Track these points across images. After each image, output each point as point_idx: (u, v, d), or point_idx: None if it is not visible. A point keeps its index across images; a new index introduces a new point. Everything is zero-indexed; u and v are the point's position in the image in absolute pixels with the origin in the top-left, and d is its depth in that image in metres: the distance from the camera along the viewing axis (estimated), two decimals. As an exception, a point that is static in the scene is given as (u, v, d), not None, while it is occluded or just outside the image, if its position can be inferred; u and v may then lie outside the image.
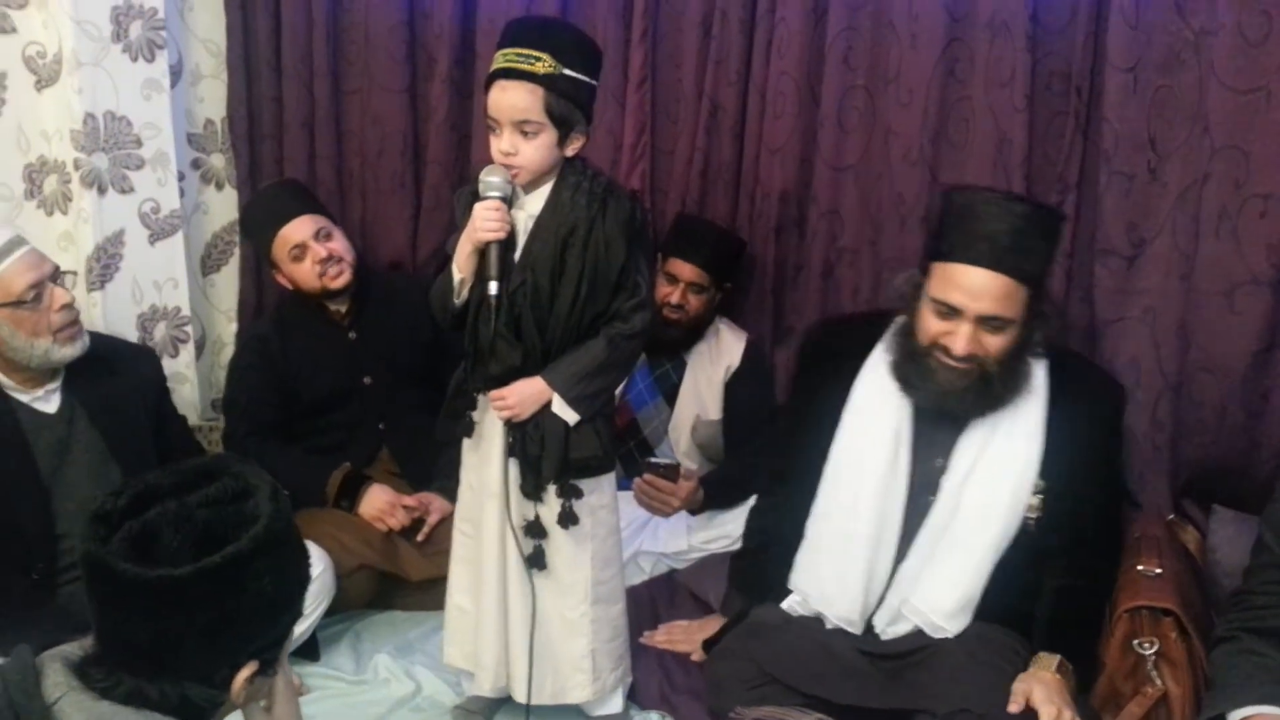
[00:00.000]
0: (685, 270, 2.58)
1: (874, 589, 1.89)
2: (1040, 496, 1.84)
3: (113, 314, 2.68)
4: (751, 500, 2.29)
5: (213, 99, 2.92)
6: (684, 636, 2.25)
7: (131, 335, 2.69)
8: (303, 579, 1.25)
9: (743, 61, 2.61)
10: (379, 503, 2.46)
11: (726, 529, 2.51)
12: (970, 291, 1.74)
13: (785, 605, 1.99)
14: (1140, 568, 1.87)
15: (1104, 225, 2.21)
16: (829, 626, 1.93)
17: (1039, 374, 1.85)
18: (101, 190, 2.61)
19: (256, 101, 2.92)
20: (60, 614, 1.96)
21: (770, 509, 2.12)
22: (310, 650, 2.28)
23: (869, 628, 1.92)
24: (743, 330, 2.71)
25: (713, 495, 2.49)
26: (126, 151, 2.64)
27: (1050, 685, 1.73)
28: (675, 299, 2.59)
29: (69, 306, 2.06)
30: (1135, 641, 1.75)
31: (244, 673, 1.18)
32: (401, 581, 2.46)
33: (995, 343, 1.76)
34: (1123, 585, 1.86)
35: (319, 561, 2.27)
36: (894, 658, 1.88)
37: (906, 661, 1.86)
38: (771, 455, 2.22)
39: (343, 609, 2.40)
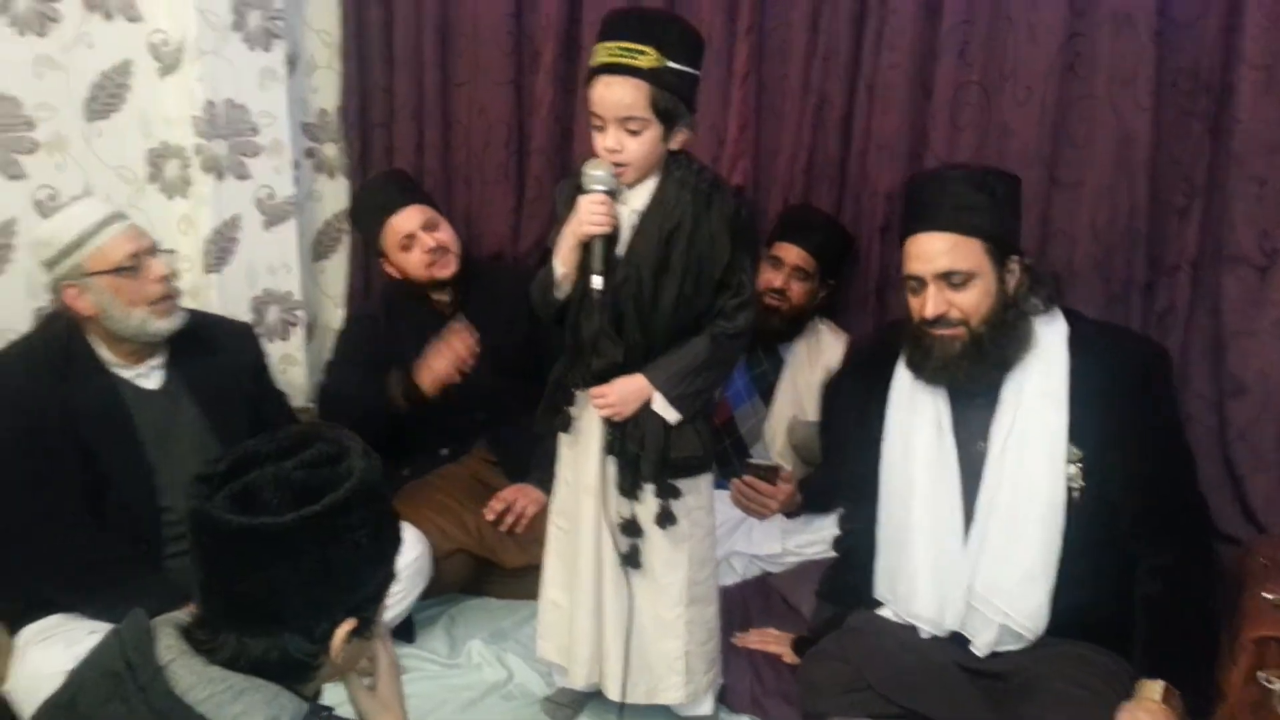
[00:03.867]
0: (791, 254, 2.54)
1: (943, 581, 1.85)
2: (1079, 466, 1.78)
3: (228, 296, 2.76)
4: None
5: (327, 89, 2.99)
6: (777, 640, 2.22)
7: (245, 317, 2.77)
8: (395, 537, 1.28)
9: (852, 55, 2.56)
10: (437, 367, 2.47)
11: (823, 534, 2.47)
12: (921, 256, 1.78)
13: (882, 612, 1.96)
14: (1268, 595, 1.78)
15: (1234, 232, 2.11)
16: (924, 636, 1.89)
17: (1053, 338, 1.81)
18: (220, 176, 2.70)
19: (368, 92, 2.97)
20: (169, 585, 2.04)
21: (850, 519, 2.10)
22: (406, 632, 2.34)
23: (964, 640, 1.87)
24: (844, 331, 2.66)
25: (810, 499, 2.44)
26: (244, 139, 2.72)
27: (1156, 716, 1.66)
28: (778, 283, 2.55)
29: (166, 279, 2.10)
30: (1261, 675, 1.67)
31: (343, 629, 1.20)
32: (495, 567, 2.50)
33: (965, 300, 1.77)
34: (1246, 612, 1.78)
35: (417, 544, 2.32)
36: (993, 677, 1.83)
37: (1009, 685, 1.80)
38: (846, 465, 2.18)
39: (438, 593, 2.44)
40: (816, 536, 2.50)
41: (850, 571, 2.02)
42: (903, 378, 1.91)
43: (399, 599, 2.26)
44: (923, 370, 1.84)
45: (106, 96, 2.59)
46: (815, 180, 2.66)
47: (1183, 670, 1.72)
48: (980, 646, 1.83)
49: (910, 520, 1.86)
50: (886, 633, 1.91)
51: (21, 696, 1.89)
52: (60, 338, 2.09)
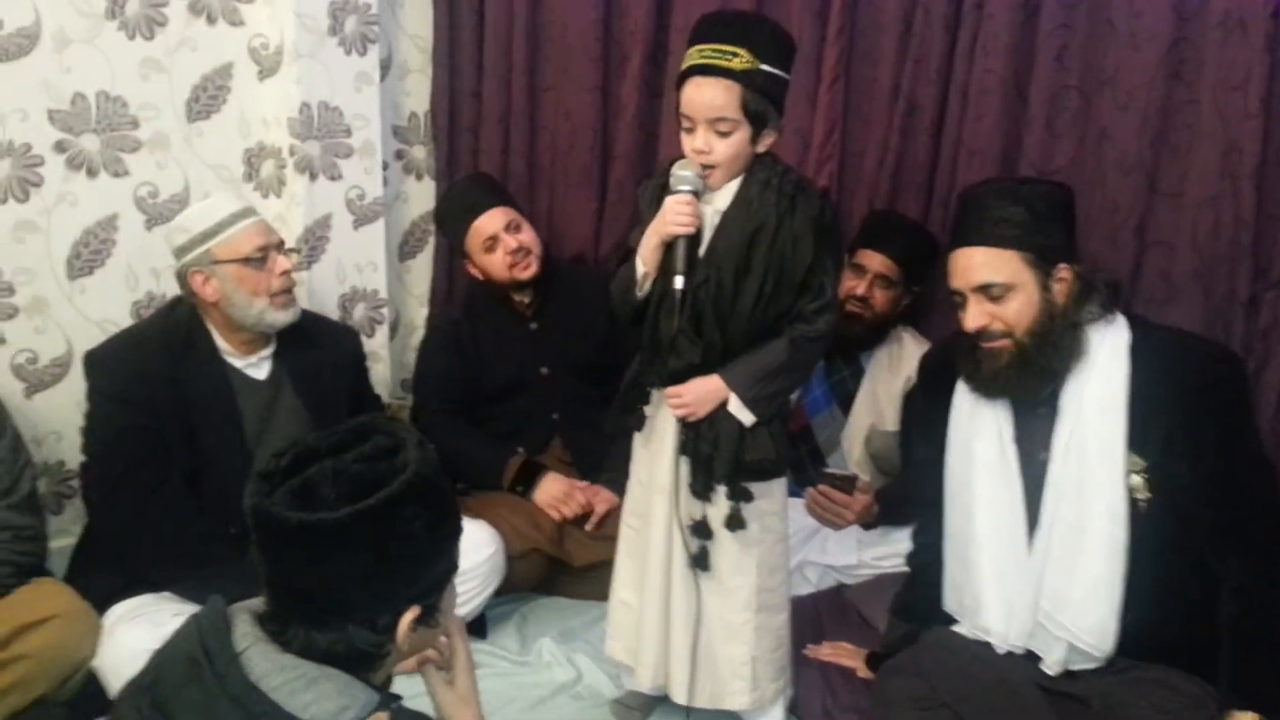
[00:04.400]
0: (874, 261, 2.50)
1: (1009, 593, 1.80)
2: (1143, 476, 1.70)
3: (317, 293, 2.83)
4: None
5: (418, 93, 3.05)
6: (850, 655, 2.18)
7: (333, 314, 2.84)
8: (453, 528, 1.28)
9: (944, 59, 2.52)
10: (555, 491, 2.51)
11: (900, 547, 2.39)
12: (960, 271, 1.79)
13: (957, 629, 1.90)
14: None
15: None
16: (1000, 651, 1.83)
17: (1113, 345, 1.74)
18: (313, 176, 2.77)
19: (458, 96, 3.02)
20: (253, 572, 2.09)
21: (923, 532, 2.05)
22: (478, 628, 2.36)
23: (1036, 658, 1.80)
24: (927, 340, 2.60)
25: (888, 511, 2.39)
26: (337, 140, 2.79)
27: None
28: (860, 291, 2.51)
29: (288, 274, 2.22)
30: None
31: (407, 617, 1.21)
32: (565, 566, 2.51)
33: (1006, 311, 1.75)
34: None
35: (491, 542, 2.34)
36: (1072, 699, 1.76)
37: (1089, 710, 1.74)
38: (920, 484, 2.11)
39: (511, 590, 2.46)
40: (894, 549, 2.44)
41: (923, 587, 1.97)
42: (964, 390, 1.88)
43: (472, 595, 2.28)
44: (975, 382, 1.83)
45: (207, 98, 2.69)
46: (902, 186, 2.62)
47: (1275, 700, 1.64)
48: (1051, 665, 1.77)
49: (974, 532, 1.83)
50: (962, 649, 1.85)
51: (109, 672, 1.95)
52: (182, 323, 2.21)
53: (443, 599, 1.28)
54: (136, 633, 1.93)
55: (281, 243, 2.27)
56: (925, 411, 2.02)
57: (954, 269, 1.81)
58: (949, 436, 1.90)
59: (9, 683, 1.91)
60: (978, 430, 1.84)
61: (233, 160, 2.76)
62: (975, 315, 1.77)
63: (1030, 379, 1.76)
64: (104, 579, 2.10)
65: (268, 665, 1.17)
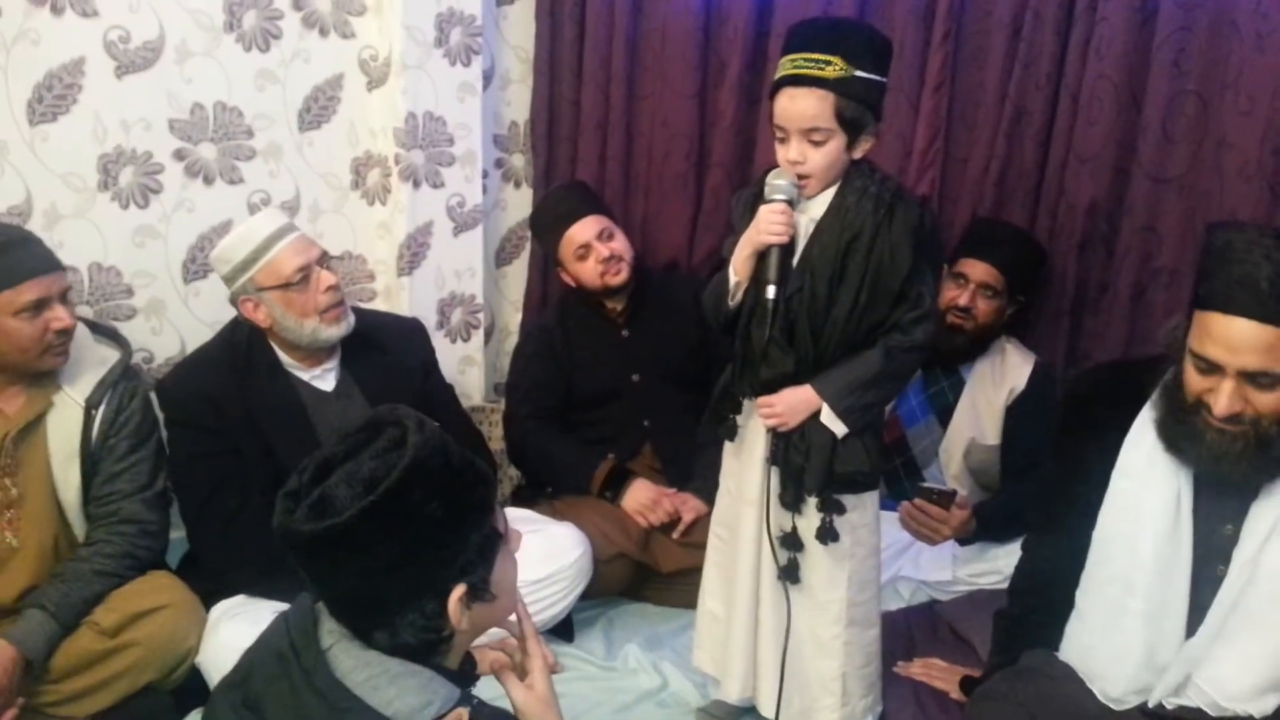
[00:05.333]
0: (977, 270, 2.43)
1: (1154, 670, 1.66)
2: None
3: (417, 298, 2.90)
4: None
5: (518, 102, 3.10)
6: (942, 674, 2.11)
7: (432, 319, 2.90)
8: (477, 499, 1.24)
9: (1054, 64, 2.43)
10: (643, 497, 2.51)
11: (997, 564, 2.34)
12: (1228, 345, 1.49)
13: (1062, 653, 1.80)
14: None
15: None
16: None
17: None
18: (416, 184, 2.84)
19: (557, 105, 3.06)
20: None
21: (1034, 569, 1.90)
22: (565, 631, 2.37)
23: None
24: (1031, 352, 2.51)
25: (986, 527, 2.32)
26: (440, 149, 2.85)
27: None
28: (963, 301, 2.44)
29: (334, 288, 2.19)
30: None
31: (454, 597, 1.20)
32: (653, 572, 2.50)
33: (1267, 401, 1.50)
34: None
35: (579, 545, 2.35)
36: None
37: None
38: (1036, 508, 1.96)
39: (598, 594, 2.46)
40: (991, 566, 2.37)
41: (1030, 619, 1.86)
42: (1140, 439, 1.67)
43: (560, 598, 2.30)
44: (1184, 454, 1.59)
45: (318, 108, 2.78)
46: (1008, 193, 2.54)
47: None
48: (1172, 703, 1.66)
49: (1128, 602, 1.66)
50: (1065, 676, 1.76)
51: (210, 666, 2.02)
52: (242, 343, 2.23)
53: (492, 571, 1.25)
54: (237, 629, 1.99)
55: (324, 255, 2.23)
56: (1078, 435, 1.79)
57: (1218, 337, 1.51)
58: (1111, 491, 1.69)
59: (121, 668, 2.00)
60: (1149, 494, 1.65)
61: (341, 169, 2.85)
62: (1232, 400, 1.50)
63: (1262, 468, 1.54)
64: (202, 582, 2.16)
65: (351, 662, 1.20)
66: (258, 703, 1.22)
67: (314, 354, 2.25)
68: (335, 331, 2.21)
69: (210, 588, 2.14)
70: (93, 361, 2.10)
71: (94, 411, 2.07)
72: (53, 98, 2.45)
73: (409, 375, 2.36)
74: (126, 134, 2.54)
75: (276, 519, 1.19)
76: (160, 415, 2.22)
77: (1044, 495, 1.88)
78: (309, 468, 1.21)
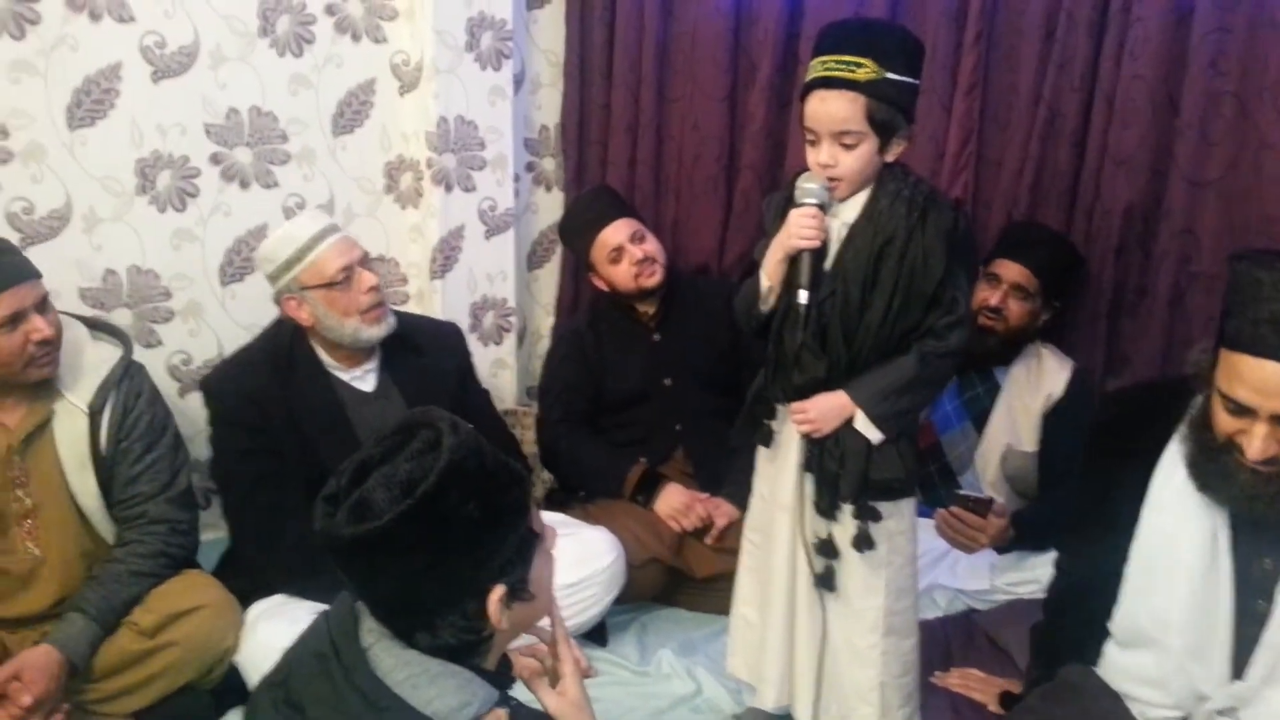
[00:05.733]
0: (1010, 270, 2.41)
1: (1196, 700, 1.62)
2: None
3: (450, 301, 2.92)
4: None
5: (549, 106, 3.11)
6: (980, 685, 2.09)
7: (465, 322, 2.91)
8: (513, 500, 1.24)
9: (1089, 65, 2.40)
10: (676, 502, 2.51)
11: (1035, 573, 2.31)
12: (1260, 389, 1.42)
13: (1099, 670, 1.77)
14: None
15: None
16: None
17: None
18: (448, 188, 2.85)
19: (588, 108, 3.06)
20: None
21: (1069, 585, 1.85)
22: (599, 635, 2.37)
23: None
24: (1068, 358, 2.49)
25: (1024, 535, 2.30)
26: (471, 153, 2.86)
27: None
28: (994, 302, 2.42)
29: (376, 289, 2.21)
30: None
31: (494, 597, 1.21)
32: (686, 577, 2.50)
33: None
34: None
35: (612, 549, 2.35)
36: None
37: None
38: (1068, 529, 1.91)
39: (631, 600, 2.46)
40: (1029, 575, 2.34)
41: (1067, 632, 1.82)
42: (1171, 471, 1.62)
43: (593, 602, 2.30)
44: (1217, 494, 1.54)
45: (351, 113, 2.80)
46: (1042, 196, 2.51)
47: None
48: None
49: (1166, 643, 1.62)
50: (1101, 694, 1.74)
51: (249, 665, 2.04)
52: (285, 343, 2.25)
53: (530, 570, 1.26)
54: (275, 629, 2.00)
55: (365, 256, 2.26)
56: (1098, 480, 1.74)
57: (1246, 381, 1.44)
58: (1142, 524, 1.65)
59: (159, 668, 2.02)
60: (1183, 530, 1.60)
61: (374, 173, 2.87)
62: (1266, 444, 1.45)
63: None
64: (246, 581, 2.19)
65: (392, 661, 1.20)
66: (299, 701, 1.23)
67: (355, 354, 2.27)
68: (376, 331, 2.23)
69: (248, 587, 2.16)
70: (91, 363, 2.06)
71: (99, 416, 2.04)
72: (91, 103, 2.48)
73: (446, 378, 2.38)
74: (163, 138, 2.57)
75: (317, 523, 1.20)
76: (207, 411, 2.25)
77: (1075, 516, 1.84)
78: (347, 471, 1.22)
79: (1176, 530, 1.60)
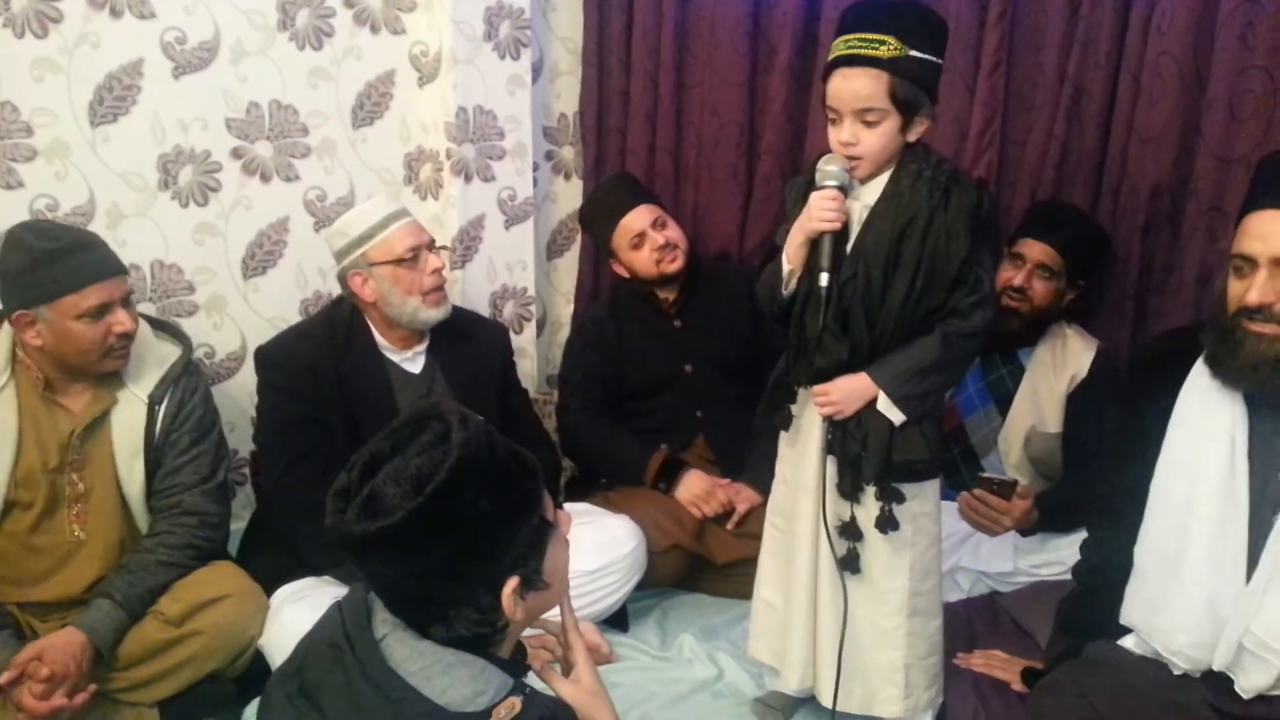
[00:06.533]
0: (1035, 250, 2.38)
1: (1216, 621, 1.63)
2: None
3: (470, 291, 2.92)
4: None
5: (568, 95, 3.10)
6: (1004, 665, 2.08)
7: (485, 312, 2.91)
8: (525, 491, 1.23)
9: (1114, 42, 2.37)
10: (696, 488, 2.50)
11: (1060, 555, 2.29)
12: (1261, 234, 1.54)
13: (1124, 643, 1.77)
14: None
15: None
16: (1176, 673, 1.69)
17: None
18: (468, 178, 2.85)
19: (606, 96, 3.05)
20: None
21: (1098, 545, 1.88)
22: (620, 621, 2.38)
23: (1223, 680, 1.66)
24: (1094, 338, 2.45)
25: (1048, 517, 2.27)
26: (490, 143, 2.86)
27: None
28: (1018, 281, 2.38)
29: (439, 273, 2.32)
30: None
31: (508, 589, 1.21)
32: (707, 563, 2.50)
33: None
34: None
35: (633, 536, 2.36)
36: (1251, 722, 1.61)
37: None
38: (1099, 485, 1.95)
39: (653, 585, 2.46)
40: (1053, 557, 2.32)
41: (1095, 609, 1.82)
42: (1197, 386, 1.68)
43: (615, 589, 2.30)
44: (1225, 367, 1.61)
45: (371, 105, 2.81)
46: (1067, 175, 2.48)
47: None
48: (1247, 688, 1.62)
49: (1186, 551, 1.65)
50: (1130, 668, 1.72)
51: (273, 650, 2.06)
52: (344, 320, 2.34)
53: (544, 560, 1.26)
54: (299, 614, 2.02)
55: (433, 242, 2.37)
56: (1134, 405, 1.79)
57: (1252, 231, 1.57)
58: (1169, 438, 1.70)
59: (185, 657, 2.04)
60: (1206, 436, 1.64)
61: (394, 164, 2.87)
62: (1263, 290, 1.54)
63: None
64: (271, 562, 2.22)
65: (405, 651, 1.21)
66: (313, 692, 1.23)
67: (409, 336, 2.35)
68: (435, 314, 2.31)
69: (273, 564, 2.20)
70: (155, 359, 2.16)
71: (157, 407, 2.13)
72: (113, 99, 2.50)
73: (489, 370, 2.45)
74: (185, 133, 2.59)
75: (329, 518, 1.20)
76: (258, 377, 2.33)
77: (1102, 491, 1.85)
78: (356, 464, 1.22)
79: (1197, 438, 1.65)
